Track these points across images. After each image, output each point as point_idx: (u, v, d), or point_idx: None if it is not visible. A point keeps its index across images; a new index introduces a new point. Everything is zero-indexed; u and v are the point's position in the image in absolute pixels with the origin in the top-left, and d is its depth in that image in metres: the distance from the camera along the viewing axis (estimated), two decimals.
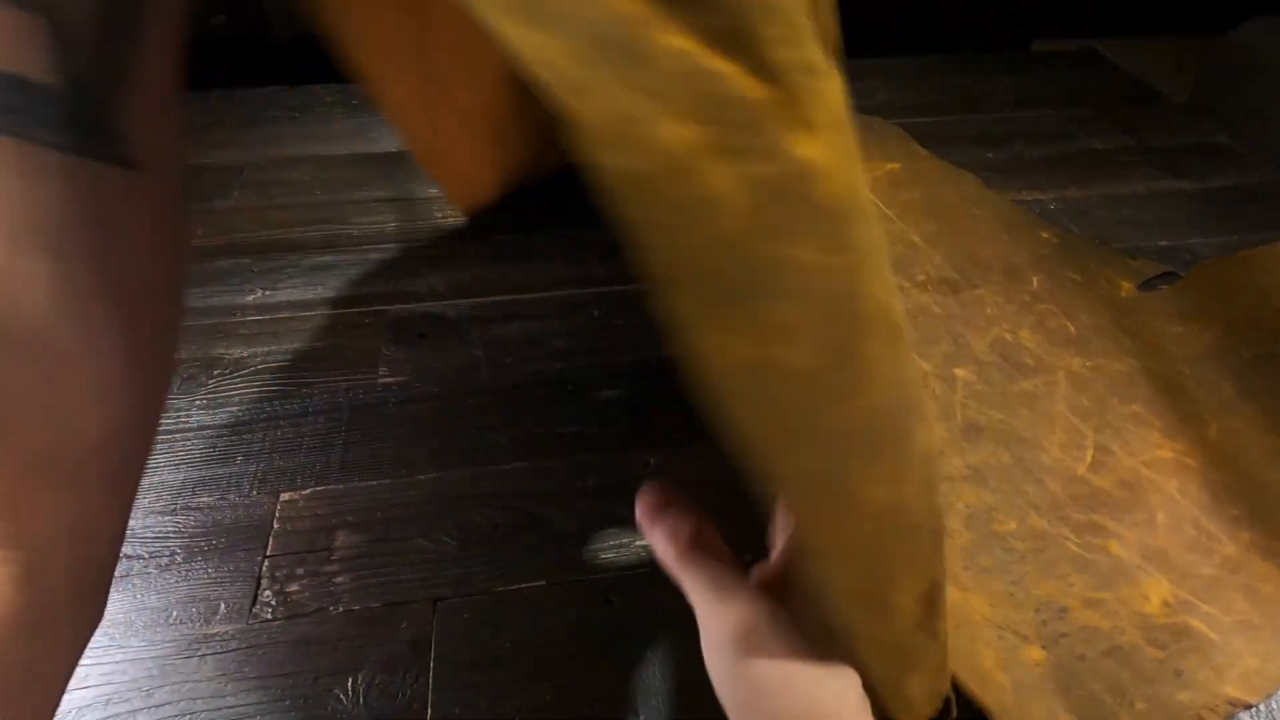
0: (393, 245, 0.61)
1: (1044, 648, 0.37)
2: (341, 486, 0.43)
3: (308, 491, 0.42)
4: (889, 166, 0.74)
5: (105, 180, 0.16)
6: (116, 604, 0.37)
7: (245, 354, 0.51)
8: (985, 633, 0.37)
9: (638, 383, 0.50)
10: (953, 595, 0.38)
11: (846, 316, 0.18)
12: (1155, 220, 0.69)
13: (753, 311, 0.16)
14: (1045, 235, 0.65)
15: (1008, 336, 0.54)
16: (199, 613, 0.37)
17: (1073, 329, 0.54)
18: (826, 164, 0.17)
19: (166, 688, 0.34)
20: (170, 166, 0.18)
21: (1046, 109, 0.87)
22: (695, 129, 0.15)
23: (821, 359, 0.18)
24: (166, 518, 0.41)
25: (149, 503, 0.42)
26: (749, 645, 0.22)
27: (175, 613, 0.37)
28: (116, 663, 0.35)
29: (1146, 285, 0.60)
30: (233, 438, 0.45)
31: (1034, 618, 0.38)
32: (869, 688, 0.23)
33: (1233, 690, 0.35)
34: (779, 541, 0.28)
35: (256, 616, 0.37)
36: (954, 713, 0.28)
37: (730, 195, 0.16)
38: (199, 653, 0.35)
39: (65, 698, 0.19)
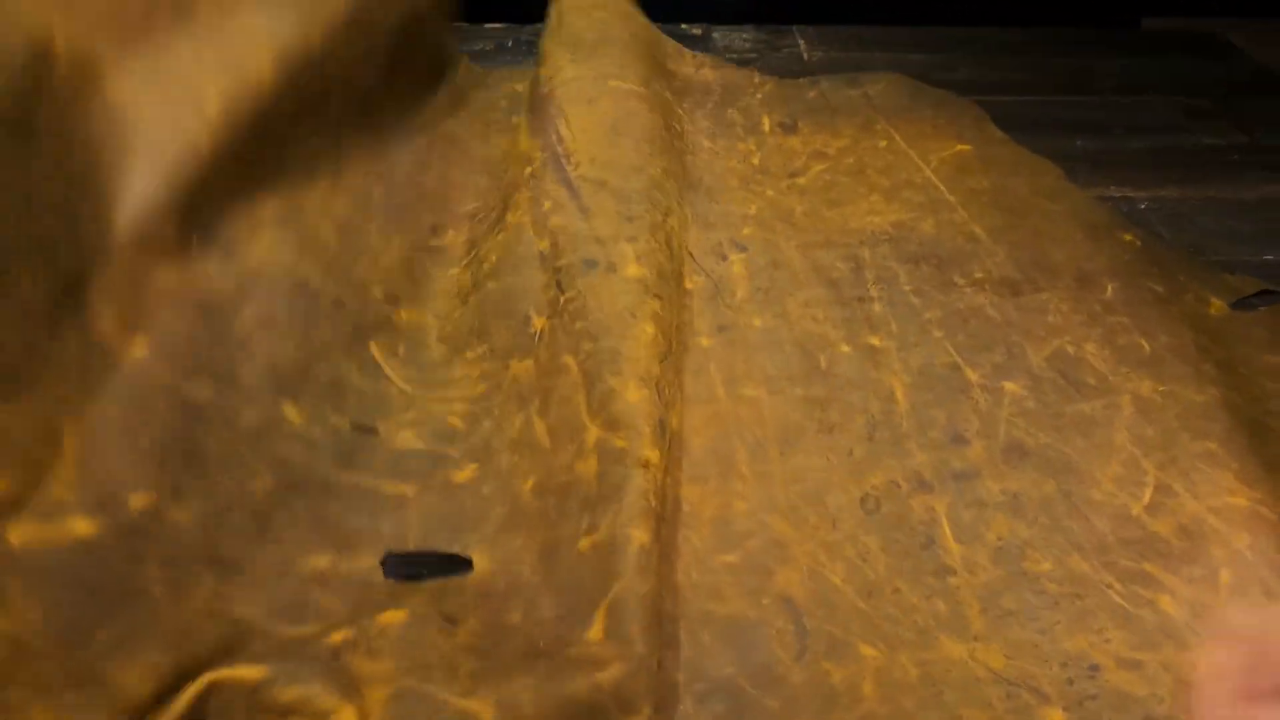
0: None
1: (1065, 709, 0.33)
2: None
3: None
4: (958, 148, 0.67)
5: None
6: None
7: None
8: (988, 692, 0.33)
9: None
10: (953, 649, 0.34)
11: None
12: (1262, 231, 0.61)
13: None
14: (1128, 239, 0.58)
15: (1070, 350, 0.49)
16: None
17: (1147, 348, 0.48)
18: None
19: None
20: None
21: (1154, 95, 0.78)
22: None
23: None
24: None
25: None
26: None
27: None
28: None
29: (1241, 305, 0.53)
30: None
31: (1059, 674, 0.34)
32: None
33: None
34: None
35: None
36: None
37: None
38: None
39: None
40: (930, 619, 0.35)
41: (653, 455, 0.38)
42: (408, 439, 0.40)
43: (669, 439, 0.40)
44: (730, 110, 0.71)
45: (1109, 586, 0.37)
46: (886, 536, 0.39)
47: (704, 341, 0.49)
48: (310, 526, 0.35)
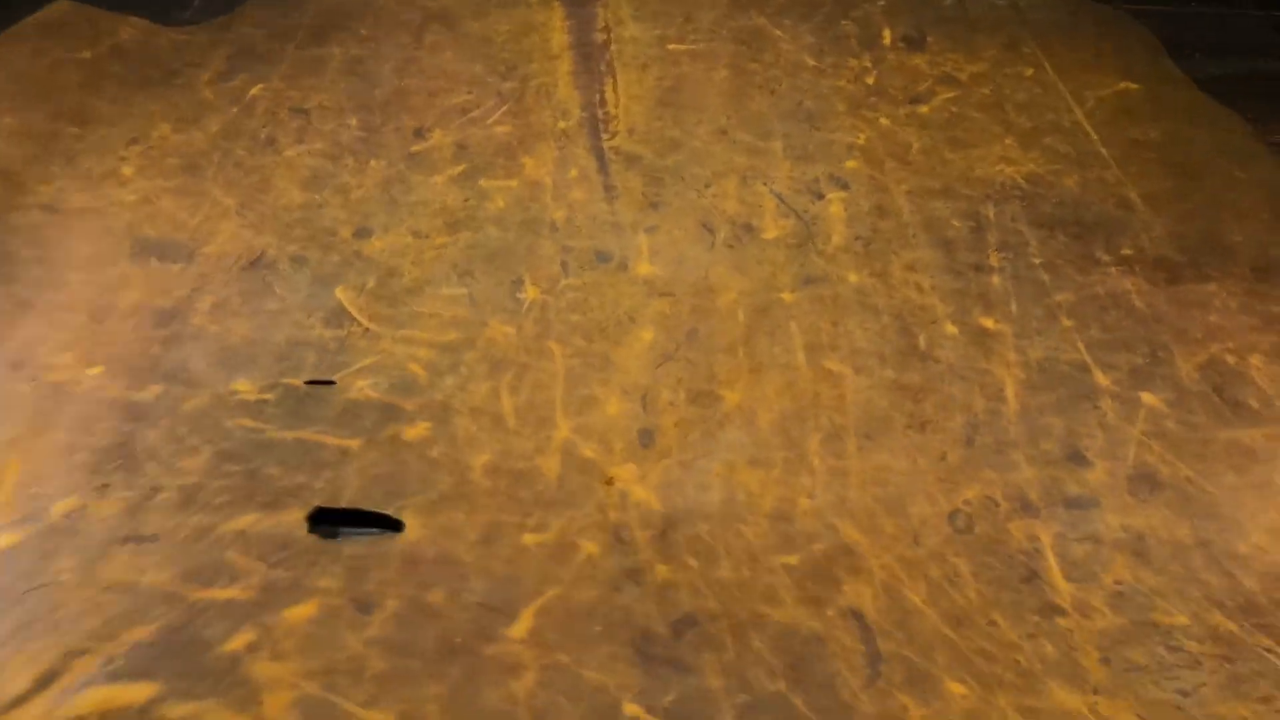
0: None
1: None
2: None
3: None
4: (1122, 85, 0.56)
5: None
6: None
7: None
8: None
9: None
10: (1068, 699, 0.30)
11: None
12: None
13: None
14: None
15: (1230, 360, 0.41)
16: None
17: None
18: None
19: None
20: None
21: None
22: None
23: None
24: None
25: None
26: None
27: None
28: None
29: None
30: None
31: None
32: None
33: None
34: None
35: None
36: None
37: None
38: None
39: None
40: (1035, 661, 0.31)
41: (621, 472, 0.36)
42: (363, 389, 0.38)
43: (674, 442, 0.37)
44: (844, 21, 0.61)
45: (1269, 651, 0.31)
46: (979, 561, 0.34)
47: (785, 297, 0.43)
48: (241, 490, 0.34)
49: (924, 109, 0.55)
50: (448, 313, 0.42)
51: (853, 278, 0.44)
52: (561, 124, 0.52)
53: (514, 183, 0.48)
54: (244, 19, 0.58)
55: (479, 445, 0.37)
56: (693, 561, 0.33)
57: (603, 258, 0.45)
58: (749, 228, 0.47)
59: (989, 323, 0.42)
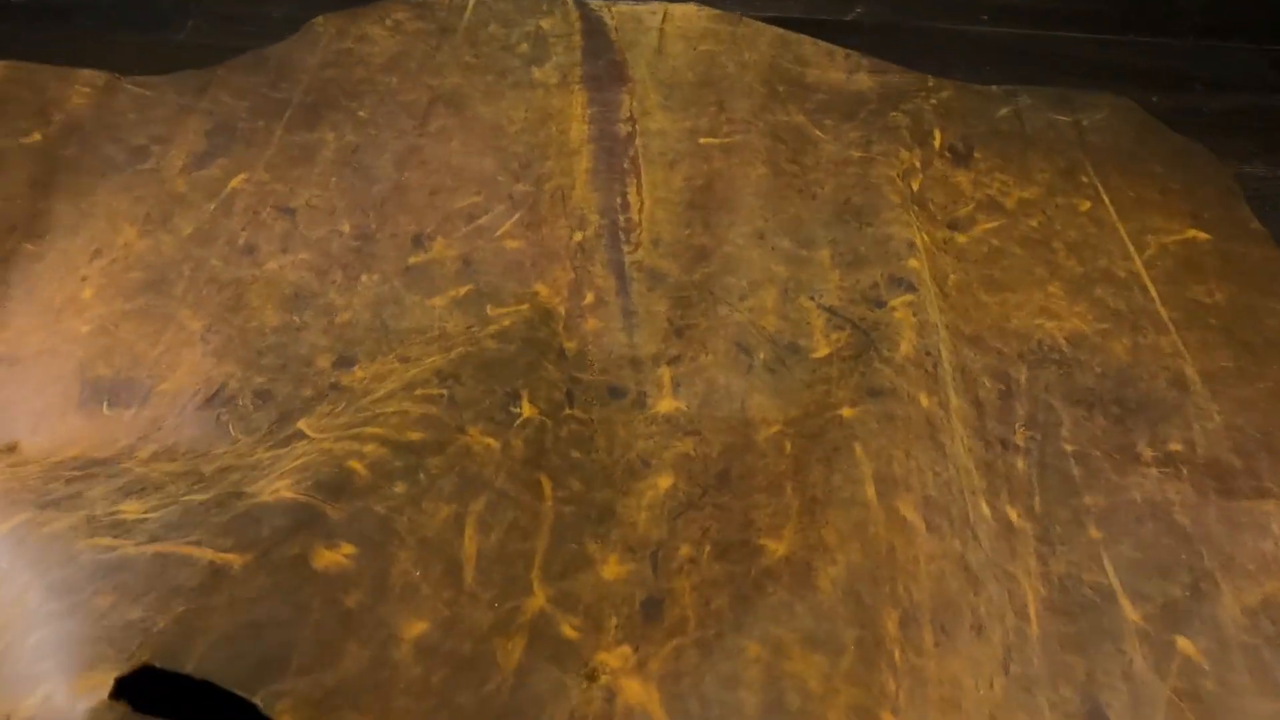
0: None
1: None
2: None
3: None
4: (1190, 234, 0.51)
5: None
6: None
7: None
8: None
9: None
10: None
11: None
12: None
13: None
14: None
15: None
16: None
17: None
18: None
19: None
20: None
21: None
22: None
23: None
24: None
25: None
26: None
27: None
28: None
29: None
30: None
31: None
32: None
33: None
34: None
35: None
36: None
37: None
38: None
39: None
40: None
41: (610, 658, 0.28)
42: (278, 490, 0.29)
43: (691, 613, 0.29)
44: (894, 113, 0.57)
45: None
46: None
47: (845, 413, 0.37)
48: (51, 645, 0.24)
49: (962, 238, 0.50)
50: (418, 410, 0.34)
51: (924, 400, 0.38)
52: (578, 235, 0.46)
53: (524, 307, 0.43)
54: (223, 85, 0.54)
55: (416, 604, 0.27)
56: None
57: (616, 393, 0.39)
58: (794, 348, 0.42)
59: (1014, 515, 0.38)
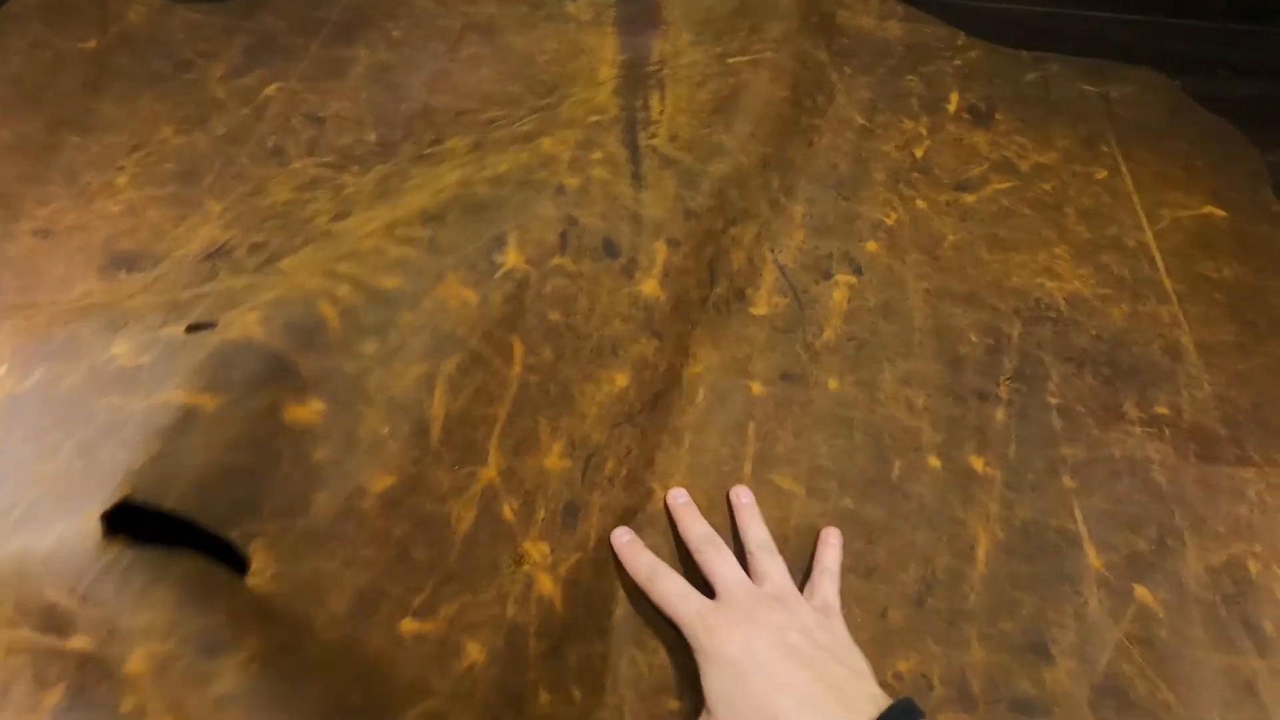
0: None
1: None
2: None
3: None
4: (1206, 210, 0.51)
5: None
6: None
7: None
8: None
9: None
10: None
11: None
12: None
13: None
14: None
15: (1252, 568, 0.35)
16: None
17: None
18: None
19: None
20: None
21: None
22: None
23: None
24: None
25: None
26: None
27: None
28: None
29: None
30: None
31: None
32: None
33: None
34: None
35: None
36: None
37: None
38: None
39: None
40: None
41: (534, 550, 0.31)
42: (249, 325, 0.29)
43: (594, 531, 0.33)
44: (911, 76, 0.56)
45: None
46: None
47: (755, 388, 0.40)
48: (66, 487, 0.26)
49: (970, 198, 0.50)
50: (395, 251, 0.33)
51: (833, 384, 0.40)
52: (595, 118, 0.46)
53: (524, 154, 0.42)
54: (268, 7, 0.55)
55: (385, 460, 0.28)
56: (577, 693, 0.30)
57: (610, 250, 0.38)
58: (741, 295, 0.43)
59: (979, 464, 0.38)
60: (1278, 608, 0.34)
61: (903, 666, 0.32)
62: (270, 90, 0.50)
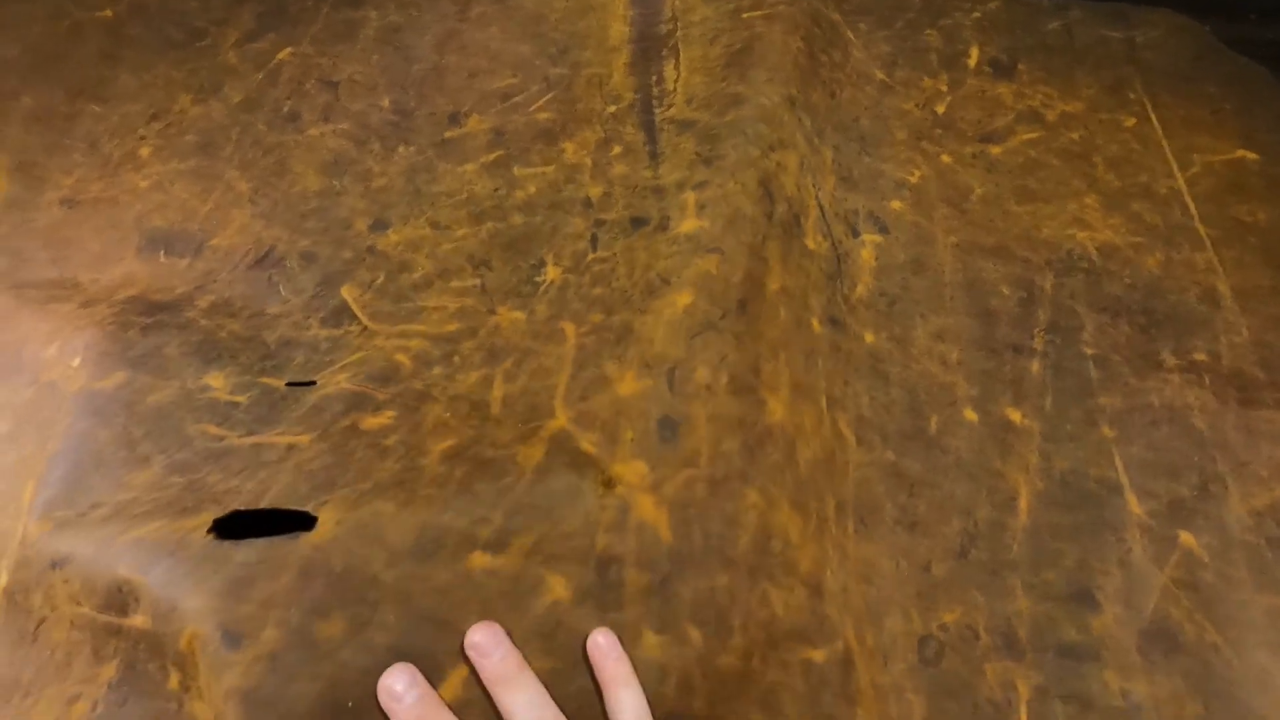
0: None
1: None
2: None
3: None
4: (1239, 154, 0.50)
5: None
6: None
7: None
8: None
9: None
10: None
11: None
12: None
13: None
14: None
15: None
16: None
17: None
18: None
19: None
20: None
21: None
22: None
23: None
24: None
25: None
26: None
27: None
28: None
29: None
30: None
31: None
32: None
33: None
34: None
35: None
36: None
37: None
38: None
39: None
40: None
41: (626, 471, 0.29)
42: (339, 382, 0.34)
43: (705, 445, 0.30)
44: (929, 30, 0.55)
45: None
46: (937, 704, 0.30)
47: (816, 326, 0.39)
48: (165, 500, 0.30)
49: (996, 149, 0.49)
50: (454, 304, 0.38)
51: (869, 337, 0.40)
52: (611, 108, 0.47)
53: (550, 169, 0.44)
54: None
55: (446, 431, 0.31)
56: (695, 634, 0.28)
57: (638, 223, 0.39)
58: (796, 221, 0.42)
59: (1016, 416, 0.38)
60: None
61: (948, 618, 0.32)
62: (283, 55, 0.50)
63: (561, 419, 0.31)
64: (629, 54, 0.51)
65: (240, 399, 0.34)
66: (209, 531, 0.28)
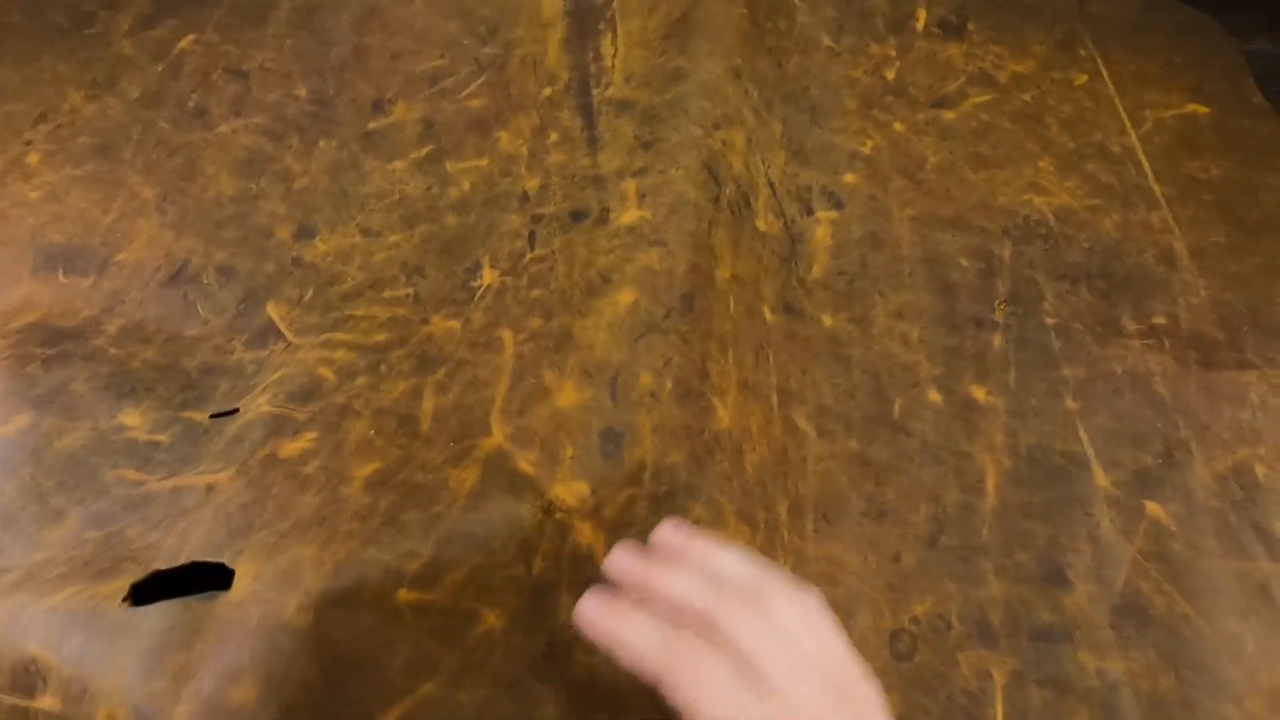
0: None
1: None
2: None
3: None
4: (1190, 108, 0.49)
5: None
6: None
7: None
8: None
9: None
10: None
11: None
12: None
13: None
14: None
15: (1259, 471, 0.36)
16: None
17: None
18: None
19: None
20: None
21: None
22: None
23: None
24: None
25: None
26: None
27: None
28: None
29: None
30: None
31: None
32: None
33: None
34: None
35: None
36: None
37: None
38: None
39: None
40: None
41: (565, 493, 0.27)
42: (260, 406, 0.32)
43: (650, 458, 0.29)
44: None
45: None
46: (911, 699, 0.30)
47: (768, 316, 0.38)
48: (81, 560, 0.28)
49: (949, 114, 0.48)
50: (384, 314, 0.35)
51: (828, 320, 0.39)
52: (547, 90, 0.44)
53: (484, 161, 0.41)
54: None
55: (370, 452, 0.29)
56: None
57: (578, 217, 0.37)
58: (746, 202, 0.40)
59: (980, 393, 0.37)
60: None
61: (920, 610, 0.32)
62: (185, 43, 0.46)
63: (498, 436, 0.29)
64: (564, 29, 0.48)
65: (161, 437, 0.31)
66: (124, 600, 0.26)
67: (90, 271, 0.37)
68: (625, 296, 0.32)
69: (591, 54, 0.45)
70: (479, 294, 0.35)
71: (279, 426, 0.31)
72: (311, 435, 0.30)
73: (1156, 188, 0.45)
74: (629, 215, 0.35)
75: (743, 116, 0.42)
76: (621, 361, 0.31)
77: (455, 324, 0.34)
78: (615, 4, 0.48)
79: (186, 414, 0.32)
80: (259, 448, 0.30)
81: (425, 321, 0.35)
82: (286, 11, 0.48)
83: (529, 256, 0.36)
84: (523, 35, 0.47)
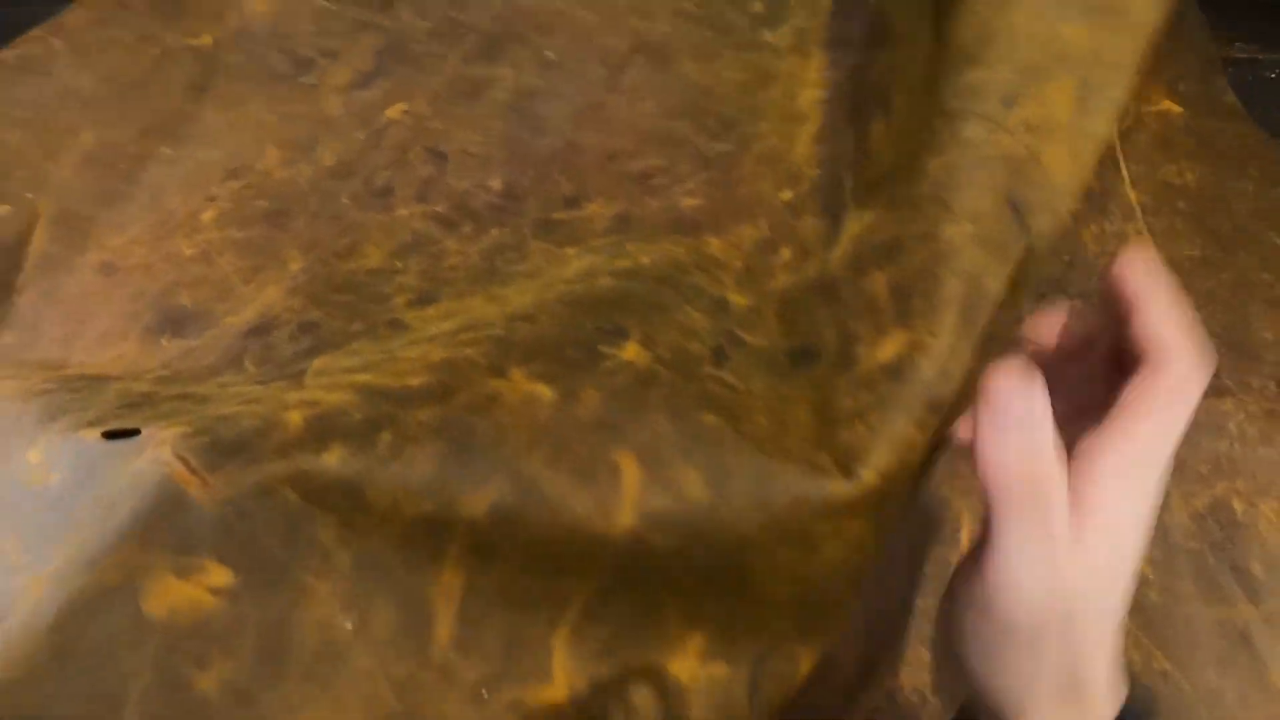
0: None
1: None
2: None
3: None
4: (1163, 104, 0.47)
5: None
6: None
7: None
8: None
9: None
10: None
11: None
12: None
13: None
14: None
15: (1238, 507, 0.35)
16: None
17: None
18: None
19: None
20: None
21: None
22: None
23: None
24: None
25: None
26: None
27: None
28: None
29: None
30: None
31: None
32: None
33: None
34: None
35: None
36: None
37: None
38: None
39: None
40: None
41: None
42: (159, 444, 0.21)
43: None
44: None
45: None
46: None
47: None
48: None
49: None
50: (440, 354, 0.24)
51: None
52: (786, 194, 0.33)
53: (679, 250, 0.31)
54: (410, 1, 0.41)
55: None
56: None
57: (803, 357, 0.26)
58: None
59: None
60: (1264, 547, 0.34)
61: (904, 680, 0.29)
62: (393, 112, 0.37)
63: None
64: (820, 119, 0.36)
65: (54, 477, 0.22)
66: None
67: (194, 335, 0.30)
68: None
69: (859, 134, 0.33)
70: (609, 364, 0.23)
71: (155, 522, 0.22)
72: (225, 579, 0.20)
73: (1133, 195, 0.43)
74: (886, 350, 0.23)
75: None
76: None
77: (547, 392, 0.22)
78: (893, 75, 0.34)
79: (82, 433, 0.23)
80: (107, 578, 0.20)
81: (499, 373, 0.22)
82: (506, 92, 0.38)
83: (708, 370, 0.24)
84: (766, 129, 0.36)
